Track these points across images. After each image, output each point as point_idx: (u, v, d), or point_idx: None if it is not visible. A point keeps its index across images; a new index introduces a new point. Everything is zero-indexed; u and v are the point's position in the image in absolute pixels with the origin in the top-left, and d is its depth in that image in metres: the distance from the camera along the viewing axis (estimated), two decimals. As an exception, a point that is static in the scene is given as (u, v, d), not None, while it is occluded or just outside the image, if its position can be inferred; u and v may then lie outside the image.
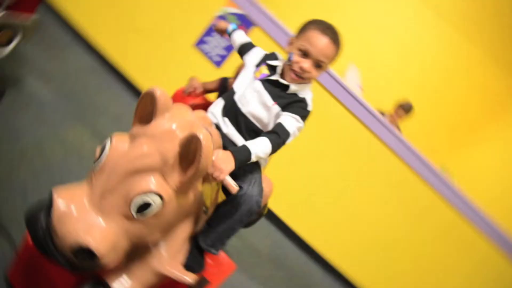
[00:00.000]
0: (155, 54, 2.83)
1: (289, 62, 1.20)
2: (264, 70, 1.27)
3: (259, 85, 1.24)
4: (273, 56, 1.32)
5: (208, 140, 0.85)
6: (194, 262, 1.15)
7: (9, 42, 1.78)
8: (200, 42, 2.72)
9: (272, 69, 1.27)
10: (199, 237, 1.18)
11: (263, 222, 2.49)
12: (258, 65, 1.31)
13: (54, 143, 1.88)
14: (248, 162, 1.10)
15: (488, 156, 4.52)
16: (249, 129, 1.24)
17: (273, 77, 1.24)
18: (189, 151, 0.86)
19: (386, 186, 2.66)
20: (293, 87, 1.22)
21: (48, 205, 0.84)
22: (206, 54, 2.71)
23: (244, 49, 1.40)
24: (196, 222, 1.15)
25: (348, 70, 3.42)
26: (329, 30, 1.18)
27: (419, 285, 2.79)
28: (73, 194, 0.86)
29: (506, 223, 2.91)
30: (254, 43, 1.43)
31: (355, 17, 4.13)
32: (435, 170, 2.56)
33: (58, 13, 2.90)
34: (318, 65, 1.18)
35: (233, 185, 1.02)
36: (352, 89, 2.52)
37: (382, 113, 3.59)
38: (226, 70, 2.13)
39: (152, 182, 0.86)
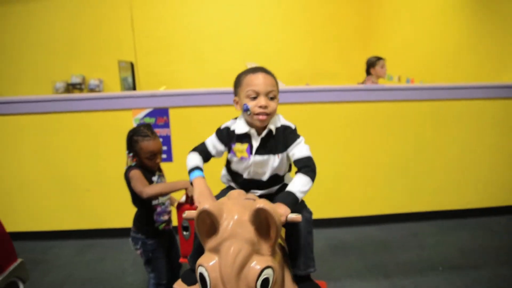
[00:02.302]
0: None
1: (249, 113, 1.29)
2: (243, 146, 1.35)
3: (258, 158, 1.35)
4: (228, 129, 1.39)
5: (267, 203, 1.05)
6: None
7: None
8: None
9: (245, 136, 1.36)
10: (295, 270, 1.32)
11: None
12: (230, 148, 1.39)
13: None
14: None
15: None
16: (273, 180, 1.41)
17: (258, 142, 1.34)
18: (262, 221, 1.05)
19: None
20: (273, 127, 1.34)
21: None
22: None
23: (208, 154, 1.43)
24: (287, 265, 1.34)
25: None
26: (257, 68, 1.33)
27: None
28: None
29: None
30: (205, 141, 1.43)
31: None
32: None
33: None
34: (271, 97, 1.30)
35: (295, 217, 1.19)
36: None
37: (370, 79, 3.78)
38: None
39: (258, 264, 1.01)
